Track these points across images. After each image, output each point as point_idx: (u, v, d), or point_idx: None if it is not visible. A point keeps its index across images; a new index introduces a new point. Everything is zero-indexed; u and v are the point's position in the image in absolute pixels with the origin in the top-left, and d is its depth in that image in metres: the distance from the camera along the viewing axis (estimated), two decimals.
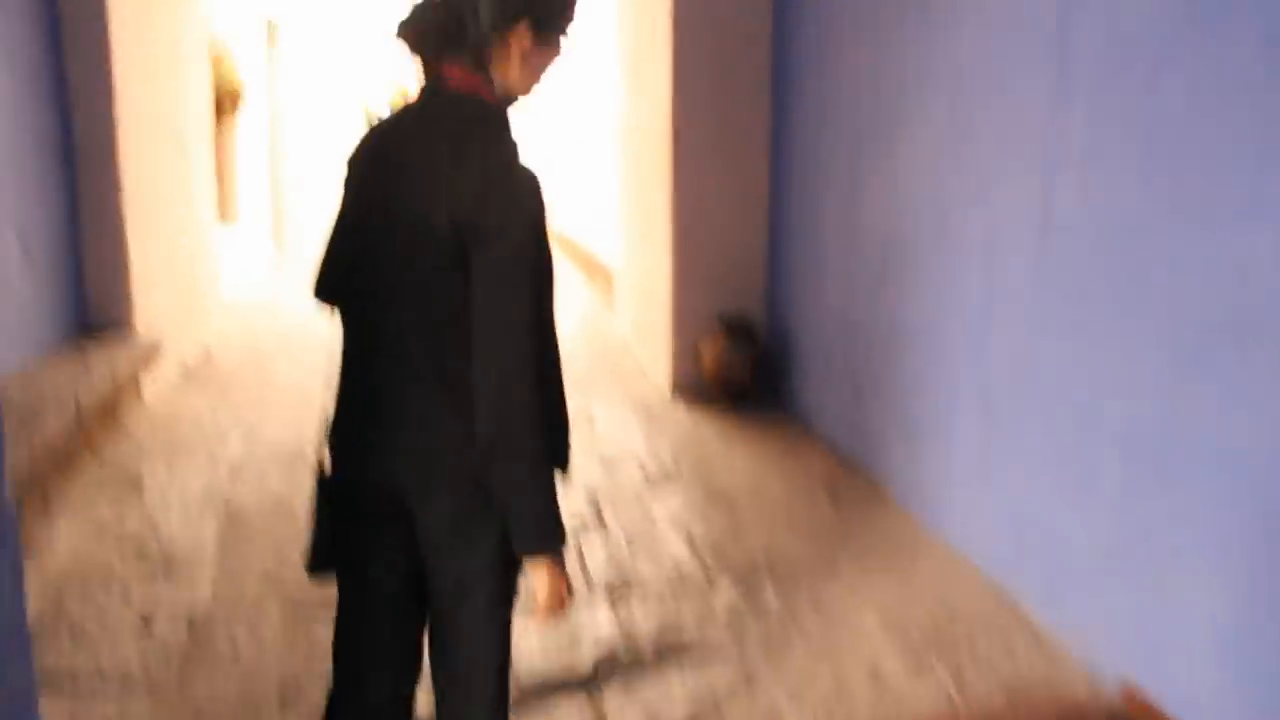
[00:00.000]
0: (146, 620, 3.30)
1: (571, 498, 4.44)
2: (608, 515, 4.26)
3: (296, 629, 3.27)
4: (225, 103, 8.94)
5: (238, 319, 8.12)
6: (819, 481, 4.60)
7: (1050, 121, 3.17)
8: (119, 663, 3.03)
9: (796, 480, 4.63)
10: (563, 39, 1.75)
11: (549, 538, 1.66)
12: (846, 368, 4.85)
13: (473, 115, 1.69)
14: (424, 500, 1.74)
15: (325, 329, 7.64)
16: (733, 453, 5.01)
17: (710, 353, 5.68)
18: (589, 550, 3.92)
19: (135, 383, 5.53)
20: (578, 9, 1.75)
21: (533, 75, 1.74)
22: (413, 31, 1.70)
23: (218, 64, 8.90)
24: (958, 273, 3.76)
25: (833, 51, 4.94)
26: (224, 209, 9.77)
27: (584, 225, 11.34)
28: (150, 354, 5.59)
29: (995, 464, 3.55)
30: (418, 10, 1.69)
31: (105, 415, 5.02)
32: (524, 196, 1.61)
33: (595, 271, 10.01)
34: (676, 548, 3.93)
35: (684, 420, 5.54)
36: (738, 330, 5.67)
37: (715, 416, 5.56)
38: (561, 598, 1.70)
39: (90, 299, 5.59)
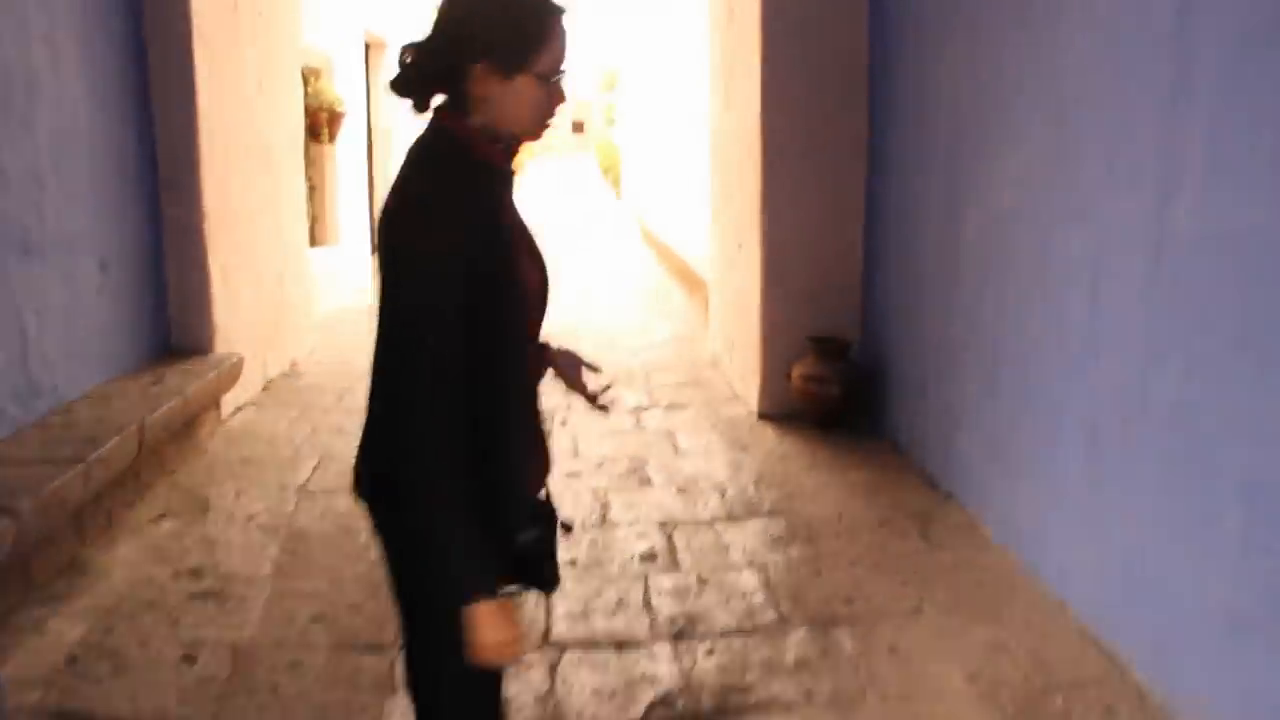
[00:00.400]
0: (190, 652, 3.18)
1: (645, 528, 4.23)
2: (680, 547, 4.03)
3: (341, 664, 3.12)
4: (323, 122, 8.97)
5: (330, 341, 8.10)
6: (910, 514, 4.30)
7: (1166, 130, 2.85)
8: (155, 697, 2.92)
9: (886, 512, 4.33)
10: (556, 74, 1.73)
11: (455, 590, 1.64)
12: (942, 393, 4.54)
13: (423, 146, 1.74)
14: None
15: None
16: (819, 481, 4.74)
17: (801, 373, 5.41)
18: (655, 585, 3.71)
19: (214, 404, 5.50)
20: (551, 40, 1.71)
21: (526, 112, 1.72)
22: (396, 82, 1.75)
23: (315, 83, 8.95)
24: (1061, 295, 3.45)
25: (929, 58, 4.64)
26: (322, 230, 9.83)
27: (683, 237, 11.14)
28: (231, 375, 5.55)
29: (1102, 504, 3.22)
30: (399, 62, 1.75)
31: (179, 436, 4.98)
32: (428, 229, 1.60)
33: (694, 285, 9.79)
34: (749, 584, 3.69)
35: (771, 445, 5.28)
36: (829, 350, 5.39)
37: (804, 441, 5.29)
38: (497, 648, 1.64)
39: (172, 321, 5.57)
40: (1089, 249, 3.27)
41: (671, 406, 6.07)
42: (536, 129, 1.76)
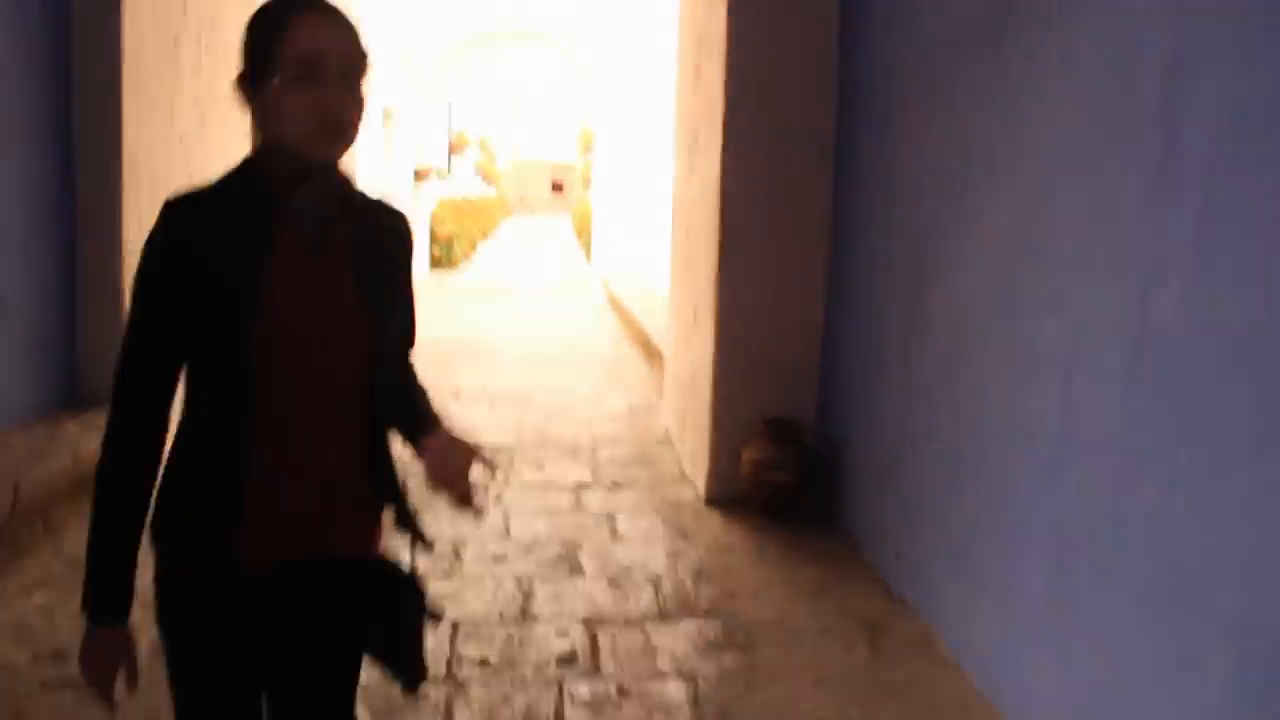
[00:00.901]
0: None
1: (567, 624, 3.83)
2: (604, 649, 3.63)
3: None
4: None
5: None
6: (860, 620, 3.92)
7: (1150, 213, 2.54)
8: None
9: (833, 618, 3.95)
10: (310, 72, 1.58)
11: (84, 597, 1.64)
12: (900, 487, 4.18)
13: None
14: None
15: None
16: (763, 577, 4.36)
17: (751, 457, 5.05)
18: (571, 693, 3.30)
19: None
20: (290, 36, 1.58)
21: (286, 122, 1.59)
22: None
23: None
24: (1030, 392, 3.11)
25: (896, 130, 4.36)
26: None
27: (644, 304, 10.84)
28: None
29: (1069, 629, 2.86)
30: None
31: (74, 496, 4.55)
32: (151, 241, 1.60)
33: (655, 355, 9.45)
34: (675, 697, 3.29)
35: (716, 533, 4.90)
36: (783, 434, 5.04)
37: (752, 531, 4.90)
38: (86, 675, 1.67)
39: (81, 369, 5.17)
40: (1062, 341, 2.94)
41: (615, 485, 5.69)
42: (308, 139, 1.60)
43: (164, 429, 1.64)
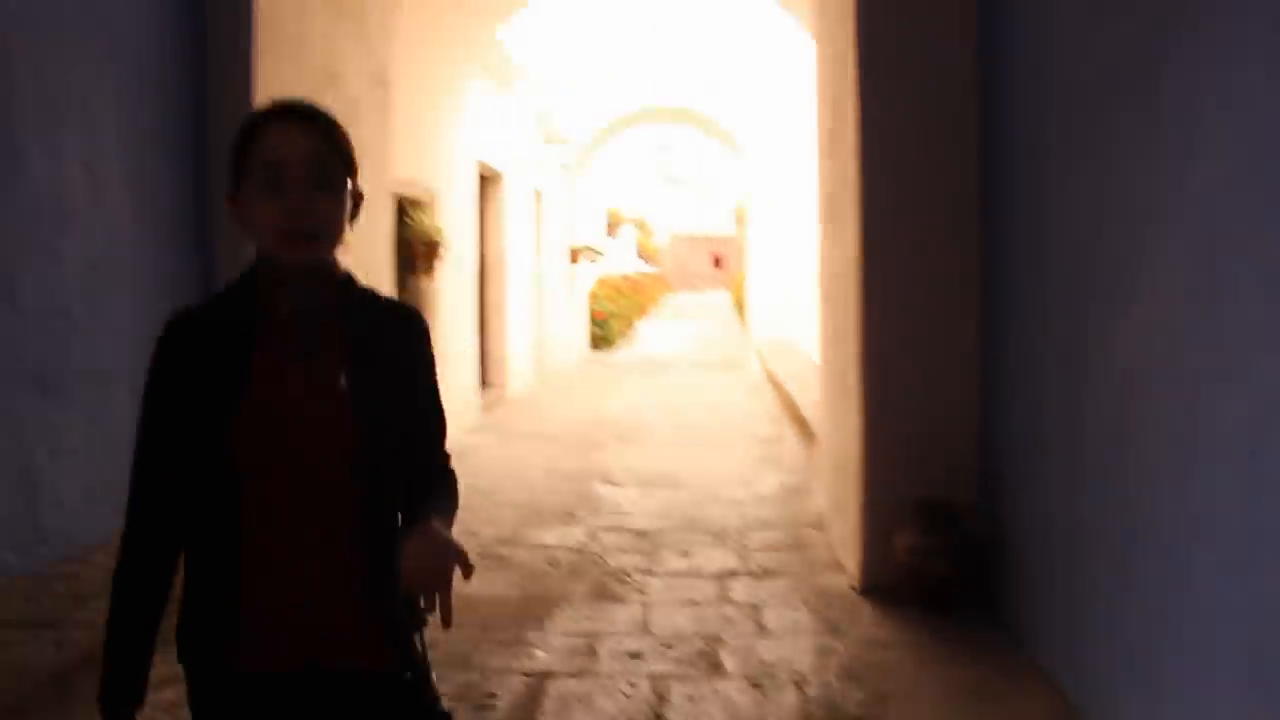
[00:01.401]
0: None
1: None
2: None
3: None
4: (419, 254, 8.76)
5: None
6: None
7: None
8: None
9: None
10: (272, 176, 1.62)
11: (98, 696, 1.68)
12: (1070, 581, 3.78)
13: None
14: None
15: (514, 490, 7.23)
16: (921, 678, 3.99)
17: (905, 543, 4.70)
18: None
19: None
20: (256, 145, 1.65)
21: (259, 227, 1.65)
22: None
23: (414, 214, 8.78)
24: (1209, 474, 2.73)
25: (1046, 188, 4.02)
26: None
27: (797, 380, 10.54)
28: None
29: None
30: None
31: None
32: (154, 353, 1.68)
33: (810, 431, 9.12)
34: None
35: (869, 627, 4.55)
36: (939, 518, 4.67)
37: (907, 625, 4.53)
38: None
39: None
40: (1243, 416, 2.57)
41: (763, 573, 5.40)
42: (280, 243, 1.64)
43: (175, 536, 1.70)
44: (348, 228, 1.71)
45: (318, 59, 5.98)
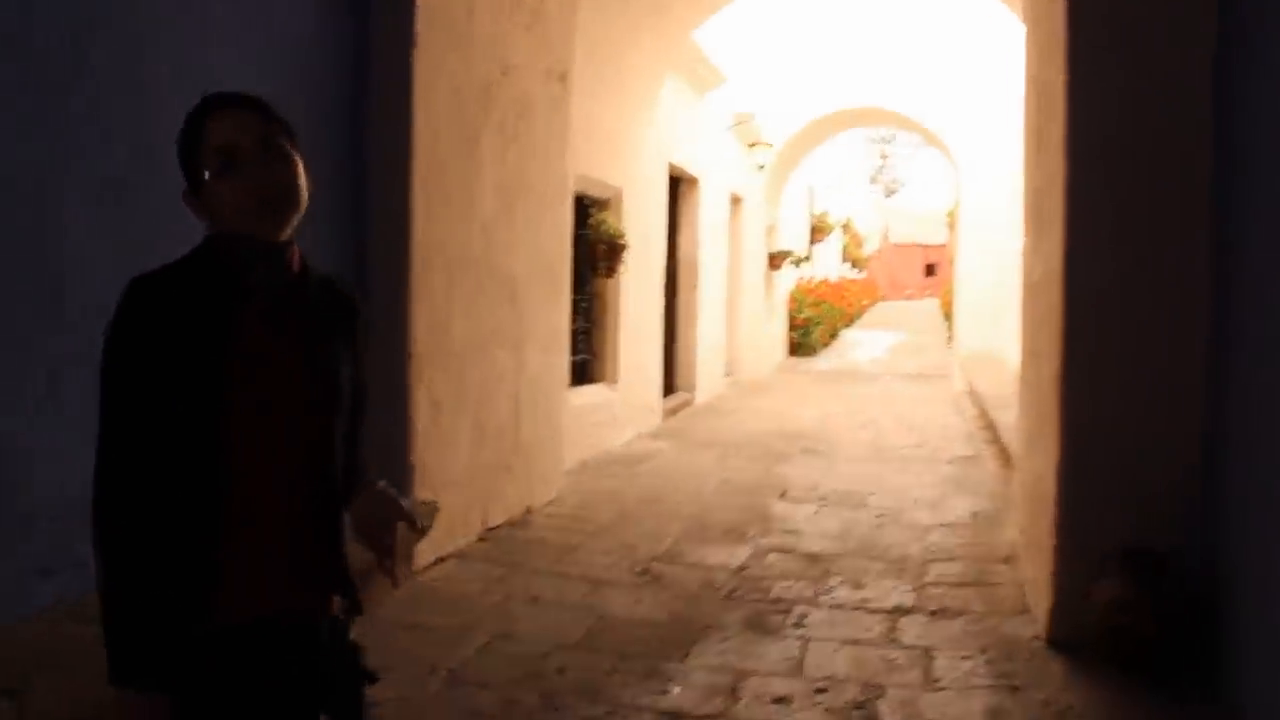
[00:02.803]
0: None
1: None
2: None
3: None
4: (600, 255, 8.53)
5: (583, 487, 7.44)
6: None
7: None
8: None
9: None
10: (228, 160, 1.72)
11: (112, 669, 1.64)
12: None
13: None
14: None
15: (699, 493, 6.96)
16: None
17: (1104, 595, 4.08)
18: None
19: (404, 557, 4.92)
20: (205, 136, 1.73)
21: (228, 211, 1.73)
22: None
23: (597, 215, 8.56)
24: None
25: None
26: (600, 367, 9.34)
27: (998, 396, 9.78)
28: (427, 521, 4.95)
29: None
30: None
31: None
32: (117, 306, 1.68)
33: (1008, 457, 8.41)
34: None
35: (1055, 688, 3.95)
36: (1144, 569, 4.04)
37: (1101, 688, 3.91)
38: None
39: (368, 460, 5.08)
40: None
41: (940, 613, 4.85)
42: (252, 218, 1.73)
43: (156, 492, 1.67)
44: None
45: (487, 52, 5.80)
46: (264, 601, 1.77)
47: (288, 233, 1.78)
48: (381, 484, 1.94)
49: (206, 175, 1.72)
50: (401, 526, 1.93)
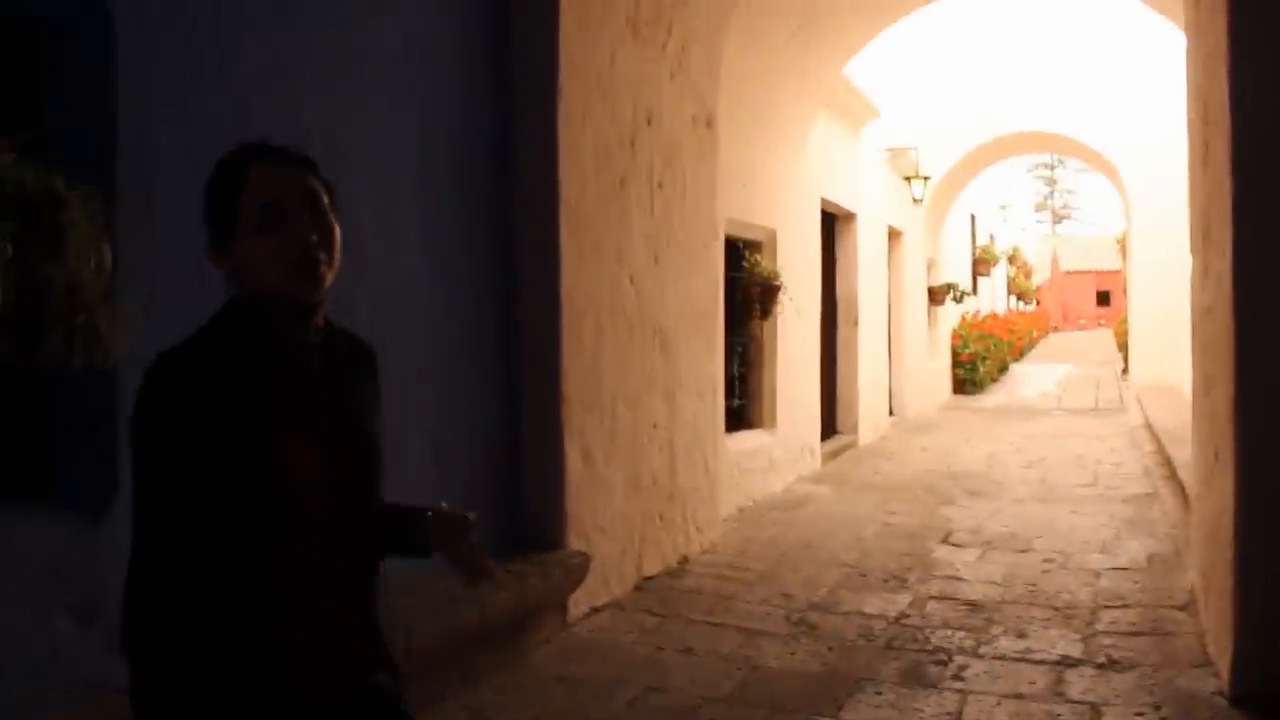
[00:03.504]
0: None
1: None
2: None
3: None
4: (755, 297, 8.48)
5: (741, 535, 7.37)
6: None
7: None
8: None
9: None
10: (273, 217, 1.66)
11: None
12: None
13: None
14: None
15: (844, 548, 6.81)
16: None
17: None
18: None
19: (556, 606, 4.95)
20: (246, 188, 1.66)
21: (266, 271, 1.66)
22: None
23: (751, 257, 8.53)
24: None
25: None
26: (758, 411, 9.25)
27: (1176, 433, 9.25)
28: (571, 576, 4.99)
29: None
30: None
31: (496, 644, 4.43)
32: (141, 390, 1.61)
33: (1186, 495, 7.94)
34: None
35: None
36: None
37: None
38: None
39: (524, 512, 5.15)
40: None
41: (1110, 665, 4.58)
42: (288, 280, 1.66)
43: (207, 591, 1.61)
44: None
45: (631, 101, 5.87)
46: (327, 677, 1.74)
47: (322, 293, 1.72)
48: (441, 506, 1.93)
49: (245, 230, 1.65)
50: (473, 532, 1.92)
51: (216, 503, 1.59)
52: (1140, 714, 4.01)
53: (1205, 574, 4.98)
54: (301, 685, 1.69)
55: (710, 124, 7.00)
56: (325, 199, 1.72)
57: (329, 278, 1.70)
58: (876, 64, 12.30)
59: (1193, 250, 5.52)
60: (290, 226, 1.65)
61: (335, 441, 1.74)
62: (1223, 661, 4.26)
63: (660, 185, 6.18)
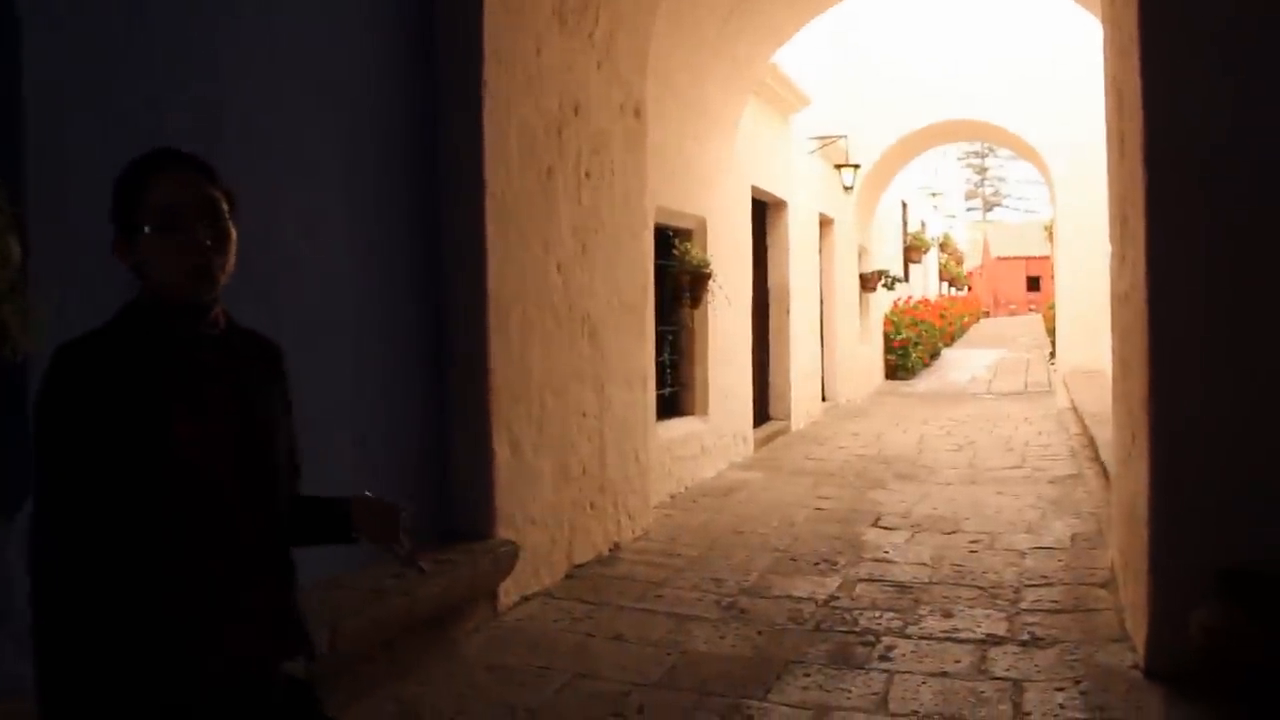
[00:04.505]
0: None
1: None
2: None
3: None
4: (684, 285, 8.52)
5: (673, 522, 7.41)
6: None
7: None
8: None
9: None
10: (171, 222, 1.76)
11: None
12: None
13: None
14: None
15: (788, 525, 6.88)
16: None
17: (1204, 622, 3.89)
18: None
19: (485, 596, 4.95)
20: (149, 191, 1.76)
21: (158, 270, 1.77)
22: None
23: (680, 245, 8.56)
24: None
25: None
26: (689, 399, 9.31)
27: (1097, 412, 9.47)
28: (499, 567, 4.98)
29: None
30: None
31: (424, 634, 4.42)
32: (45, 378, 1.69)
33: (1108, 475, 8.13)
34: None
35: None
36: (1250, 592, 3.84)
37: None
38: None
39: (452, 503, 5.14)
40: None
41: (1033, 642, 4.68)
42: (181, 284, 1.77)
43: (106, 575, 1.67)
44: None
45: (557, 91, 5.85)
46: (222, 658, 1.79)
47: (215, 294, 1.83)
48: (365, 494, 2.03)
49: (147, 229, 1.75)
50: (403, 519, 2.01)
51: (115, 491, 1.66)
52: (1061, 689, 4.11)
53: (1123, 552, 5.11)
54: (209, 665, 1.75)
55: (638, 113, 7.00)
56: (224, 205, 1.82)
57: (222, 279, 1.81)
58: (806, 52, 12.40)
59: (1111, 238, 5.65)
60: (186, 232, 1.75)
61: (231, 432, 1.81)
62: (1139, 637, 4.38)
63: (588, 175, 6.17)
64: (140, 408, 1.69)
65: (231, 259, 1.83)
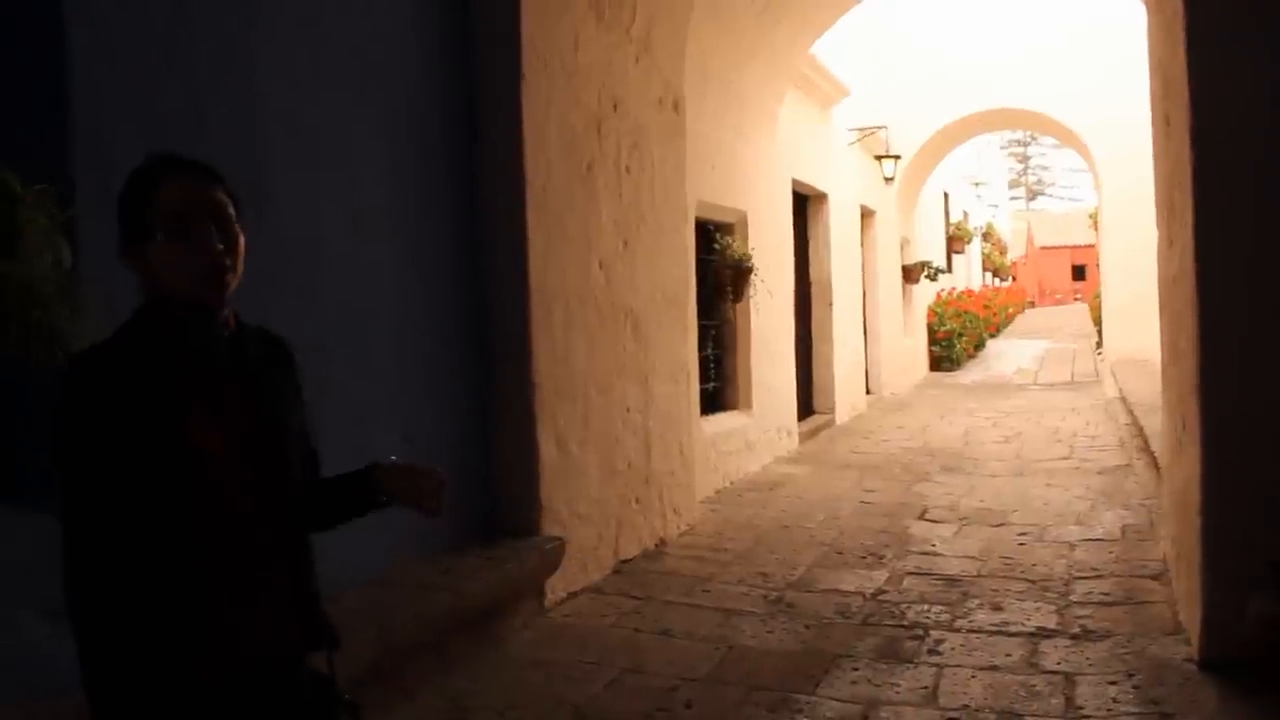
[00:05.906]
0: None
1: None
2: None
3: None
4: (727, 279, 8.50)
5: (719, 516, 7.39)
6: None
7: None
8: None
9: None
10: (182, 226, 1.78)
11: None
12: None
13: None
14: None
15: (839, 519, 6.87)
16: None
17: (1261, 611, 3.81)
18: None
19: (532, 592, 4.96)
20: (158, 196, 1.78)
21: (173, 276, 1.79)
22: None
23: (723, 239, 8.54)
24: None
25: None
26: (733, 394, 9.28)
27: (1148, 402, 9.32)
28: (547, 561, 4.99)
29: None
30: None
31: (472, 629, 4.44)
32: (63, 387, 1.73)
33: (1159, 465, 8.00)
34: None
35: (1209, 714, 3.72)
36: None
37: (1259, 714, 3.67)
38: None
39: (498, 499, 5.15)
40: None
41: (1084, 634, 4.63)
42: (194, 287, 1.80)
43: (134, 576, 1.71)
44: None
45: (596, 86, 5.85)
46: (250, 652, 1.83)
47: (226, 296, 1.85)
48: (392, 459, 2.05)
49: (158, 236, 1.77)
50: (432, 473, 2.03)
51: (137, 492, 1.70)
52: (1113, 682, 4.06)
53: (1176, 543, 5.03)
54: (237, 652, 1.80)
55: (677, 106, 6.99)
56: (231, 209, 1.84)
57: (233, 283, 1.84)
58: (844, 43, 12.31)
59: (1158, 222, 5.57)
60: (197, 237, 1.78)
61: (247, 429, 1.84)
62: (1193, 629, 4.31)
63: (628, 169, 6.17)
64: (158, 411, 1.72)
65: (241, 262, 1.86)
